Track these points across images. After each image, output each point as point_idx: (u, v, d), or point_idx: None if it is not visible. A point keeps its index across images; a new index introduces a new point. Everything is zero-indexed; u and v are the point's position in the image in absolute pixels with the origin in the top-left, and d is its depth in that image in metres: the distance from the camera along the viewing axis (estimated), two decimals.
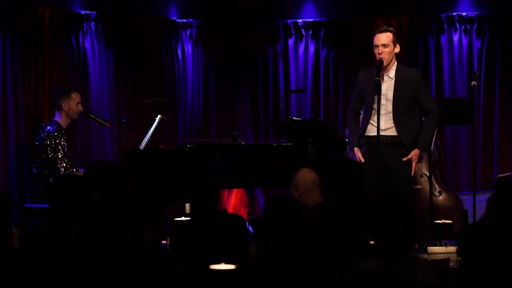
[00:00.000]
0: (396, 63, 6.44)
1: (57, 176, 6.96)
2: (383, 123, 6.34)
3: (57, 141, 7.11)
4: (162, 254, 3.24)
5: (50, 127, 7.16)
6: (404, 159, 6.34)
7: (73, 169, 7.14)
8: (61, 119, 7.25)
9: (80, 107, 7.32)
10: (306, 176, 5.30)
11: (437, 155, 7.90)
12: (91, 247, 3.52)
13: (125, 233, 3.44)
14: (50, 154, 7.10)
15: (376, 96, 6.23)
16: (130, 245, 3.35)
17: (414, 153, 6.37)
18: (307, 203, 5.11)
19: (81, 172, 7.06)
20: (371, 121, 6.39)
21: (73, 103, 7.26)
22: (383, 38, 6.36)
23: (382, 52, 6.34)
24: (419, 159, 6.63)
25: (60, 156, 7.10)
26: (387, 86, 6.39)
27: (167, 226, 6.90)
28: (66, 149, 7.16)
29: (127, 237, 3.42)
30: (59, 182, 4.46)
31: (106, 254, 3.35)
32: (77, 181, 4.49)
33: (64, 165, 7.10)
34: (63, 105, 7.24)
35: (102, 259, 3.36)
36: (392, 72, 6.41)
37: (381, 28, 6.46)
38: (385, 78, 6.40)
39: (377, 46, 6.37)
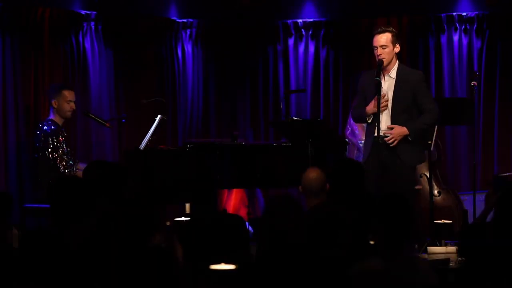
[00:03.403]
0: (397, 63, 6.43)
1: (58, 175, 6.95)
2: (384, 123, 6.34)
3: (54, 140, 7.09)
4: (166, 256, 3.24)
5: (46, 127, 7.13)
6: (388, 139, 6.27)
7: (74, 167, 7.13)
8: (55, 117, 7.21)
9: (72, 105, 7.23)
10: (309, 175, 5.26)
11: (437, 155, 7.90)
12: (98, 249, 3.52)
13: (135, 236, 3.44)
14: (49, 154, 7.08)
15: (377, 96, 6.23)
16: (137, 248, 3.35)
17: (398, 128, 6.28)
18: (311, 202, 5.09)
19: (81, 166, 7.05)
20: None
21: (63, 100, 7.18)
22: (382, 39, 6.36)
23: (381, 54, 6.34)
24: (419, 159, 6.59)
25: (58, 155, 7.08)
26: (388, 86, 6.39)
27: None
28: (64, 147, 7.14)
29: (135, 240, 3.42)
30: (60, 182, 4.46)
31: (112, 256, 3.36)
32: (78, 181, 4.49)
33: (64, 163, 7.09)
34: (53, 102, 7.19)
35: (108, 261, 3.37)
36: (393, 72, 6.41)
37: (379, 29, 6.45)
38: (386, 78, 6.40)
39: (376, 47, 6.37)
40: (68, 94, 7.23)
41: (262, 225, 3.52)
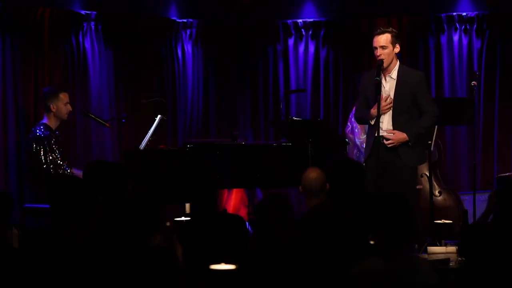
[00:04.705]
0: (398, 63, 6.44)
1: (52, 178, 6.92)
2: (385, 123, 6.34)
3: (46, 145, 7.04)
4: (166, 256, 3.24)
5: (39, 131, 7.09)
6: (387, 142, 6.29)
7: (67, 169, 7.11)
8: (50, 121, 7.18)
9: (68, 107, 7.25)
10: (309, 175, 5.26)
11: (437, 155, 7.90)
12: (98, 249, 3.52)
13: (135, 236, 3.44)
14: (43, 159, 7.04)
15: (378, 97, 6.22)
16: (137, 248, 3.35)
17: (398, 134, 6.32)
18: (311, 202, 5.08)
19: (76, 172, 7.05)
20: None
21: (61, 103, 7.18)
22: (381, 40, 6.36)
23: (381, 54, 6.35)
24: (419, 160, 6.59)
25: (51, 160, 7.05)
26: (389, 86, 6.40)
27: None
28: (57, 151, 7.10)
29: (135, 240, 3.42)
30: (60, 182, 4.46)
31: (112, 256, 3.36)
32: (78, 181, 4.49)
33: (57, 168, 7.05)
34: (51, 106, 7.17)
35: (108, 261, 3.37)
36: (394, 73, 6.41)
37: (379, 29, 6.45)
38: (387, 78, 6.40)
39: (375, 48, 6.37)
40: (64, 97, 7.24)
41: (253, 225, 3.52)
